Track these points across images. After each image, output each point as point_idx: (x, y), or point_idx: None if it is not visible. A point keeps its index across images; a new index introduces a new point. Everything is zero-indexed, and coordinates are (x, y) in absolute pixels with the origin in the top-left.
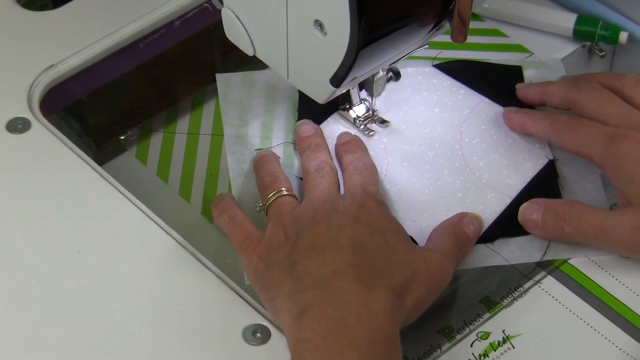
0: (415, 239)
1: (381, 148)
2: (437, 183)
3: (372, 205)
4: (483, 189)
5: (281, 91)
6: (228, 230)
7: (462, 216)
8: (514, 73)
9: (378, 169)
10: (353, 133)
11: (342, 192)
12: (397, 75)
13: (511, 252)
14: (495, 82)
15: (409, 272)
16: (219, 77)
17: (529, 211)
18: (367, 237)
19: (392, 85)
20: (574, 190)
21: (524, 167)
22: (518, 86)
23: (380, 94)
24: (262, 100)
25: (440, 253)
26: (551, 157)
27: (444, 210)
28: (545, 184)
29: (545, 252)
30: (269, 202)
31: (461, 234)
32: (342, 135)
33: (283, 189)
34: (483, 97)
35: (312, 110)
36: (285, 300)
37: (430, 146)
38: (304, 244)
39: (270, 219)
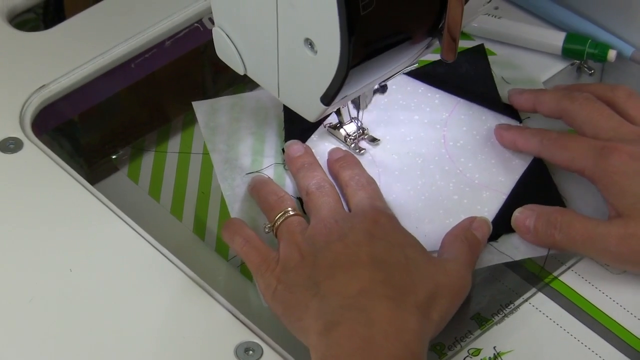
0: None
1: (369, 160)
2: (432, 188)
3: (385, 221)
4: (477, 189)
5: (262, 112)
6: (243, 252)
7: (470, 221)
8: (481, 63)
9: None
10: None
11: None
12: (383, 88)
13: (516, 248)
14: (466, 80)
15: (432, 286)
16: (196, 105)
17: (523, 217)
18: (387, 253)
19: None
20: (565, 184)
21: (513, 163)
22: (510, 91)
23: (367, 106)
24: (244, 124)
25: (459, 262)
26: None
27: (443, 214)
28: (537, 177)
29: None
30: (278, 223)
31: (473, 239)
32: (334, 151)
33: (289, 209)
34: (459, 99)
35: (298, 129)
36: (314, 321)
37: (417, 153)
38: (323, 264)
39: (281, 240)
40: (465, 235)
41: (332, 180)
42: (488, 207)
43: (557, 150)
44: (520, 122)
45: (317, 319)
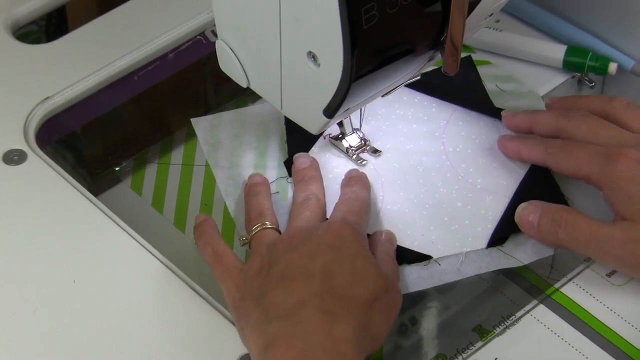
0: (428, 253)
1: (371, 170)
2: (435, 195)
3: (347, 233)
4: (480, 194)
5: (261, 126)
6: (210, 261)
7: (380, 234)
8: (471, 74)
9: (374, 192)
10: (345, 162)
11: None
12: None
13: (524, 251)
14: (460, 90)
15: (372, 298)
16: (194, 121)
17: (526, 212)
18: (336, 265)
19: (366, 107)
20: (567, 188)
21: (514, 166)
22: (504, 114)
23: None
24: (244, 139)
25: (393, 277)
26: None
27: (448, 221)
28: (540, 179)
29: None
30: (252, 234)
31: (390, 252)
32: (350, 171)
33: (267, 222)
34: (455, 107)
35: (301, 141)
36: (252, 331)
37: (418, 161)
38: (275, 273)
39: (251, 251)
40: (384, 250)
41: (323, 196)
42: (492, 211)
43: (562, 157)
44: None
45: (254, 331)
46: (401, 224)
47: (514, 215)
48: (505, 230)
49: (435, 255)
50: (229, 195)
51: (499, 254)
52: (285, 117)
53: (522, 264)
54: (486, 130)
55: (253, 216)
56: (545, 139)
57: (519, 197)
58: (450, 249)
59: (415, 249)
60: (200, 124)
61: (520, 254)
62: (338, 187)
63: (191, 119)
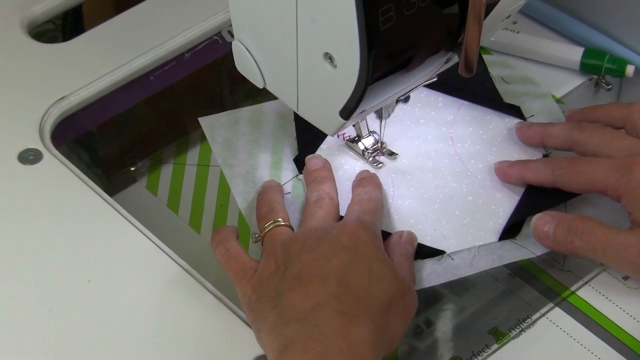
0: (441, 248)
1: (381, 165)
2: (445, 190)
3: (362, 233)
4: (490, 190)
5: (269, 124)
6: (223, 261)
7: (399, 235)
8: (478, 66)
9: (384, 187)
10: (361, 164)
11: None
12: (406, 98)
13: (535, 243)
14: (466, 83)
15: (388, 301)
16: (203, 120)
17: (541, 223)
18: (352, 267)
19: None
20: None
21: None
22: (518, 125)
23: (389, 116)
24: (252, 137)
25: (410, 280)
26: (544, 152)
27: (459, 215)
28: None
29: None
30: (265, 232)
31: (408, 254)
32: (361, 172)
33: (279, 219)
34: (462, 101)
35: (311, 139)
36: (269, 334)
37: (427, 156)
38: (291, 275)
39: (264, 249)
40: (401, 251)
41: (336, 196)
42: (503, 207)
43: (574, 176)
44: (525, 120)
45: (271, 333)
46: (413, 219)
47: (524, 209)
48: (517, 223)
49: (448, 250)
50: (240, 192)
51: (511, 247)
52: (295, 114)
53: (534, 256)
54: (493, 125)
55: (264, 212)
56: (549, 160)
57: (529, 193)
58: (462, 243)
59: (428, 244)
60: (208, 123)
61: (532, 245)
62: (349, 184)
63: (199, 118)
